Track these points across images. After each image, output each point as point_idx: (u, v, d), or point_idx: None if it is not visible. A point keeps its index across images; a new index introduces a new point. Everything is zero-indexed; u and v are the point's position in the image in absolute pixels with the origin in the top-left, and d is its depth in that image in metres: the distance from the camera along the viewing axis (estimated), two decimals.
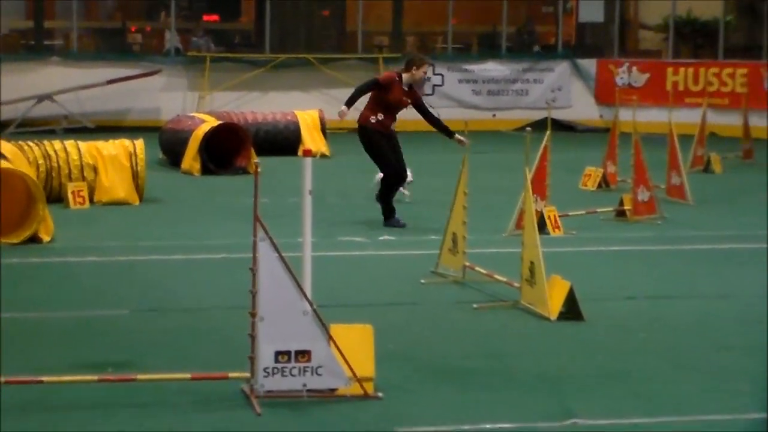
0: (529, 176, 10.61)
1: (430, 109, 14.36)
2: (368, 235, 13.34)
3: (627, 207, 14.57)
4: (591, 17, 28.60)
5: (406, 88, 13.93)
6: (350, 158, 21.30)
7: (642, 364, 8.36)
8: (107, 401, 7.34)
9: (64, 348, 8.64)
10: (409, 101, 13.95)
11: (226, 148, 18.95)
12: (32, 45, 27.82)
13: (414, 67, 13.88)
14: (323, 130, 21.73)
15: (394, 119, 14.08)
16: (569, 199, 15.14)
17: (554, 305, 9.54)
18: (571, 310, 9.54)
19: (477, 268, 10.84)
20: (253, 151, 18.78)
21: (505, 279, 10.44)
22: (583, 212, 14.58)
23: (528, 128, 10.86)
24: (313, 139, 21.37)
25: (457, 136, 13.36)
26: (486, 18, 30.30)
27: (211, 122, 19.51)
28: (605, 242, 13.15)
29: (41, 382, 7.35)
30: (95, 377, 7.53)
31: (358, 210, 15.29)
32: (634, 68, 27.21)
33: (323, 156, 20.87)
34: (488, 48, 28.99)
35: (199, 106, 25.84)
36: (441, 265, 11.26)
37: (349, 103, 13.86)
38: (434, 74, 26.84)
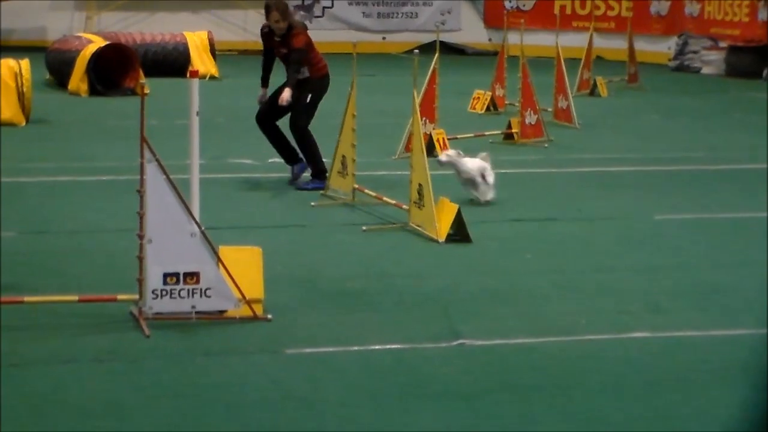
0: (418, 99, 10.65)
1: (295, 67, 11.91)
2: (258, 158, 13.32)
3: (515, 130, 14.73)
4: None
5: (278, 39, 12.01)
6: (240, 81, 21.21)
7: (528, 285, 8.51)
8: None
9: None
10: (284, 51, 12.00)
11: (114, 69, 18.74)
12: None
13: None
14: (212, 51, 21.58)
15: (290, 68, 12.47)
16: (458, 123, 15.27)
17: (442, 227, 9.64)
18: (459, 232, 9.66)
19: (366, 191, 10.90)
20: (141, 72, 18.60)
21: (394, 201, 10.52)
22: (472, 135, 14.69)
23: (416, 51, 10.88)
24: (202, 61, 21.21)
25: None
26: None
27: (99, 42, 19.25)
28: (493, 165, 13.27)
29: None
30: None
31: (248, 133, 15.22)
32: None
33: (213, 78, 20.74)
34: None
35: (86, 26, 25.44)
36: (330, 188, 11.31)
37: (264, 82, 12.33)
38: None
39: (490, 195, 11.09)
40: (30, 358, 6.79)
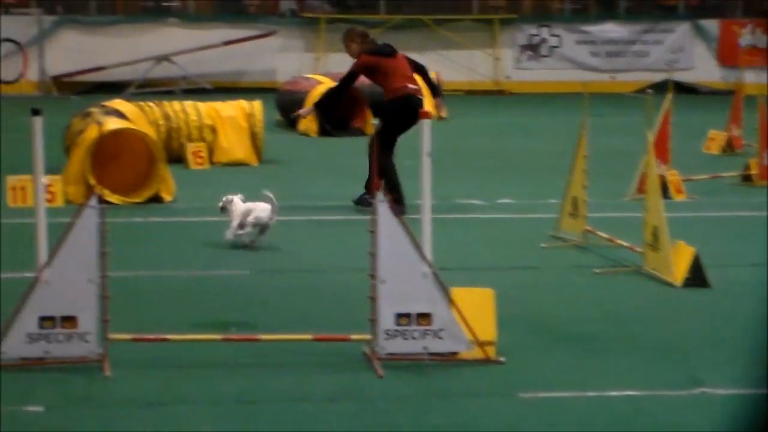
0: (651, 139, 10.42)
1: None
2: (487, 198, 13.24)
3: (753, 171, 14.28)
4: None
5: None
6: (467, 120, 21.23)
7: None
8: (231, 360, 7.38)
9: (188, 307, 8.70)
10: None
11: (343, 109, 18.95)
12: (151, 7, 28.08)
13: None
14: (440, 92, 21.62)
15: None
16: (692, 164, 14.89)
17: (679, 271, 9.37)
18: (696, 276, 9.36)
19: (598, 233, 10.70)
20: (369, 112, 18.77)
21: (627, 244, 10.29)
22: (707, 177, 14.32)
23: (649, 90, 10.65)
24: (429, 102, 21.27)
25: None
26: None
27: (328, 83, 19.51)
28: (730, 207, 12.90)
29: (167, 340, 7.41)
30: (219, 336, 7.58)
31: (476, 172, 15.20)
32: (759, 29, 26.62)
33: (440, 118, 20.77)
34: (607, 9, 28.58)
35: (315, 67, 25.88)
36: (561, 229, 11.14)
37: None
38: (551, 35, 26.59)
39: (229, 235, 10.70)
40: (265, 395, 6.85)
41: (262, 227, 10.72)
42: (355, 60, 12.70)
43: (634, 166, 13.15)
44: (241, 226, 10.76)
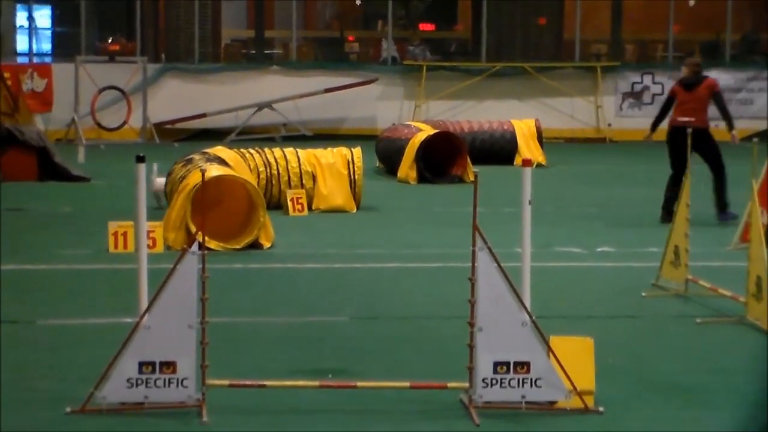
0: (756, 188, 10.27)
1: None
2: (586, 246, 13.14)
3: None
4: None
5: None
6: (567, 168, 21.14)
7: None
8: (328, 407, 7.38)
9: (285, 353, 8.73)
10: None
11: (442, 156, 18.99)
12: (253, 54, 28.47)
13: None
14: (540, 139, 21.59)
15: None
16: None
17: None
18: None
19: (700, 282, 10.55)
20: (469, 159, 18.78)
21: (729, 293, 10.13)
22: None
23: (754, 138, 10.51)
24: (529, 149, 21.26)
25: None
26: (709, 25, 29.66)
27: (428, 131, 19.57)
28: None
29: (264, 386, 7.44)
30: (316, 383, 7.58)
31: (575, 220, 15.11)
32: None
33: (540, 165, 20.72)
34: (711, 56, 28.35)
35: (415, 114, 26.00)
36: (662, 278, 11.00)
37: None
38: (654, 83, 26.43)
39: None
40: None
41: None
42: None
43: (738, 215, 12.96)
44: None
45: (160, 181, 14.66)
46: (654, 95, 26.88)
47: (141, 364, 7.14)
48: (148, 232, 11.68)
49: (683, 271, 10.68)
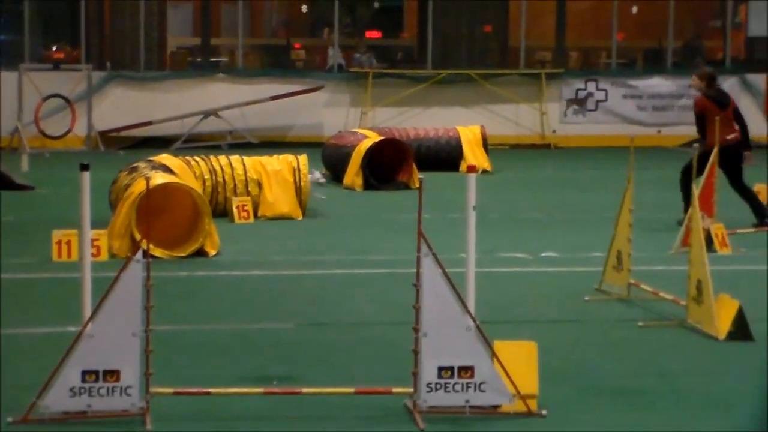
0: (696, 193, 10.40)
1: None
2: (530, 251, 13.23)
3: None
4: (761, 31, 27.98)
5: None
6: (511, 174, 21.25)
7: None
8: (272, 414, 7.40)
9: (230, 360, 8.74)
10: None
11: (388, 163, 19.03)
12: (199, 62, 28.37)
13: None
14: (485, 145, 21.68)
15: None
16: (737, 217, 14.79)
17: (722, 325, 9.32)
18: (740, 330, 9.30)
19: (642, 286, 10.66)
20: (414, 166, 18.84)
21: (671, 297, 10.24)
22: (752, 230, 14.25)
23: (695, 144, 10.65)
24: (474, 155, 21.33)
25: None
26: (651, 33, 29.92)
27: (374, 138, 19.61)
28: None
29: (209, 393, 7.44)
30: (261, 390, 7.60)
31: (520, 226, 15.20)
32: None
33: (485, 172, 20.81)
34: (654, 63, 28.60)
35: (361, 121, 26.02)
36: (605, 283, 11.10)
37: None
38: (597, 89, 26.62)
39: None
40: None
41: None
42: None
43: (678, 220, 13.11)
44: None
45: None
46: (598, 102, 27.08)
47: (84, 373, 7.12)
48: (93, 240, 11.68)
49: (626, 276, 10.78)
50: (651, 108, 27.13)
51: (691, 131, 25.47)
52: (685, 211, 14.11)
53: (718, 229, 13.32)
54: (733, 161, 14.29)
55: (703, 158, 13.15)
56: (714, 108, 14.39)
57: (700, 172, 13.47)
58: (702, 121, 14.31)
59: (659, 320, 9.99)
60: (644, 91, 27.12)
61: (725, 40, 28.37)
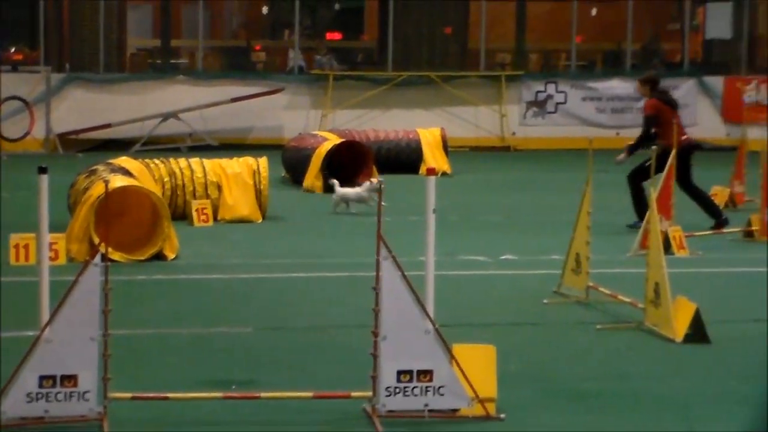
0: (654, 195, 10.47)
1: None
2: (490, 254, 13.27)
3: (755, 227, 14.30)
4: (718, 34, 28.18)
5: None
6: (471, 176, 21.30)
7: None
8: (231, 418, 7.39)
9: (189, 365, 8.72)
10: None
11: (349, 165, 19.03)
12: (158, 64, 28.29)
13: None
14: (445, 148, 21.73)
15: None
16: (695, 219, 14.90)
17: (680, 327, 9.38)
18: (697, 332, 9.37)
19: (600, 289, 10.71)
20: (375, 169, 18.84)
21: (629, 300, 10.30)
22: (710, 232, 14.35)
23: (653, 147, 10.71)
24: (434, 158, 21.37)
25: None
26: (610, 35, 30.06)
27: (334, 140, 19.61)
28: (732, 263, 12.92)
29: (167, 398, 7.43)
30: (220, 394, 7.59)
31: (480, 228, 15.23)
32: (763, 85, 26.73)
33: (444, 174, 20.85)
34: (612, 65, 28.73)
35: (321, 124, 26.01)
36: (564, 285, 11.15)
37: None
38: (557, 92, 26.73)
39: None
40: None
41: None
42: (645, 105, 14.90)
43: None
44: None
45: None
46: (557, 104, 27.18)
47: (41, 378, 7.09)
48: (51, 243, 11.62)
49: (584, 279, 10.83)
50: (610, 110, 27.25)
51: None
52: (637, 214, 14.24)
53: (675, 232, 13.41)
54: (684, 162, 14.38)
55: (660, 159, 13.23)
56: (668, 109, 14.61)
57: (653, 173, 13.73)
58: (654, 122, 14.55)
59: (617, 323, 10.04)
60: (603, 94, 27.24)
61: (683, 42, 28.54)
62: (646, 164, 13.99)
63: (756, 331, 9.91)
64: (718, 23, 27.92)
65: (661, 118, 14.46)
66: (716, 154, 25.26)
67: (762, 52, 29.37)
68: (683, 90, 27.19)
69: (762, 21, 29.31)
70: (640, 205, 14.33)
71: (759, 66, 28.53)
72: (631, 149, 14.72)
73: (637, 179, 14.59)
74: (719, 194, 17.08)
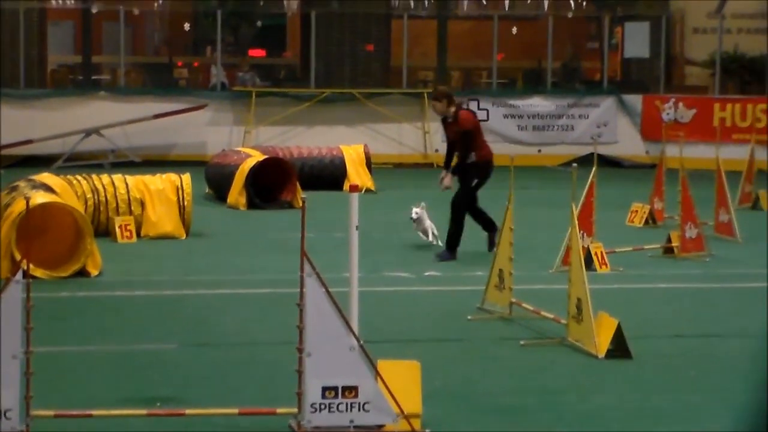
0: (576, 212, 10.57)
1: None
2: (414, 271, 13.33)
3: (674, 244, 14.50)
4: (636, 53, 28.54)
5: (451, 121, 14.31)
6: (395, 193, 21.35)
7: (692, 402, 8.29)
8: None
9: (113, 382, 8.67)
10: (455, 131, 14.25)
11: (272, 182, 19.03)
12: (80, 80, 28.09)
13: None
14: (368, 164, 21.79)
15: (460, 152, 14.26)
16: (616, 236, 15.09)
17: (602, 342, 9.49)
18: (619, 347, 9.48)
19: (524, 305, 10.80)
20: (298, 185, 18.86)
21: (552, 315, 10.39)
22: (630, 249, 14.52)
23: (574, 164, 10.83)
24: (358, 174, 21.42)
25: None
26: (531, 53, 30.35)
27: (257, 157, 19.60)
28: (653, 279, 13.08)
29: (90, 415, 7.38)
30: (144, 411, 7.56)
31: (404, 245, 15.28)
32: (681, 104, 27.11)
33: (368, 191, 20.91)
34: (533, 83, 28.99)
35: (245, 140, 25.97)
36: (487, 302, 11.23)
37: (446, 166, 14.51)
38: (479, 109, 26.91)
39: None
40: None
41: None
42: (461, 118, 14.18)
43: (559, 239, 13.31)
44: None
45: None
46: (479, 121, 27.32)
47: None
48: None
49: (507, 294, 10.92)
50: (531, 128, 27.47)
51: (571, 151, 26.02)
52: (488, 234, 14.31)
53: (597, 248, 13.55)
54: (475, 176, 14.20)
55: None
56: (478, 121, 14.63)
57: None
58: (475, 135, 14.21)
59: (540, 338, 10.13)
60: (524, 111, 27.45)
61: (602, 61, 28.86)
62: (472, 184, 14.08)
63: (676, 346, 10.06)
64: (636, 42, 28.27)
65: (478, 131, 14.31)
66: (636, 172, 25.60)
67: (678, 71, 29.83)
68: (603, 108, 27.52)
69: (678, 40, 29.76)
70: (482, 219, 14.42)
71: (676, 84, 28.95)
72: (455, 169, 14.32)
73: (470, 203, 14.31)
74: (639, 211, 17.30)
